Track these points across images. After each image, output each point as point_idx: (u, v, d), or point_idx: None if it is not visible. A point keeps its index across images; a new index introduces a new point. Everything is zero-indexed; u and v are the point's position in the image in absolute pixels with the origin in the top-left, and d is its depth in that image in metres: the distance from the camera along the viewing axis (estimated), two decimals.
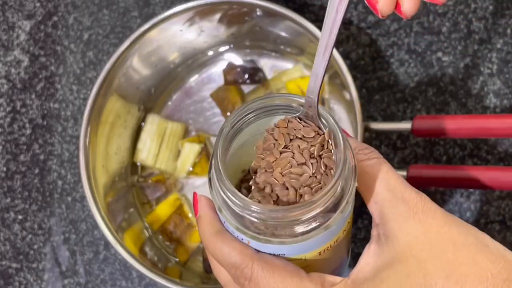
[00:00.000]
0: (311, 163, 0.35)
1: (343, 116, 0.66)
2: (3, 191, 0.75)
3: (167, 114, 0.71)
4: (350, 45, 0.69)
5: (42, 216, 0.73)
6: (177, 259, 0.67)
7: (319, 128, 0.36)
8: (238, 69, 0.70)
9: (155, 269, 0.60)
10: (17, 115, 0.76)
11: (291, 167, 0.35)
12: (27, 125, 0.76)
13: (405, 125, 0.59)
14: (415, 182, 0.59)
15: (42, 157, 0.74)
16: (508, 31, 0.65)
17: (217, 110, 0.70)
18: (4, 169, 0.75)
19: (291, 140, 0.36)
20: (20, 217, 0.74)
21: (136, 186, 0.70)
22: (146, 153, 0.69)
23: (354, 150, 0.37)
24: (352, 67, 0.68)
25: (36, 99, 0.76)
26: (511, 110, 0.64)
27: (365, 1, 0.36)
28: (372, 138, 0.66)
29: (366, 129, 0.60)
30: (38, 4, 0.78)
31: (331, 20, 0.35)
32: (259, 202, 0.35)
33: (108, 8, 0.76)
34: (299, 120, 0.36)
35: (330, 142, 0.36)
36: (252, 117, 0.37)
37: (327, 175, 0.35)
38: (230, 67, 0.70)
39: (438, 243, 0.34)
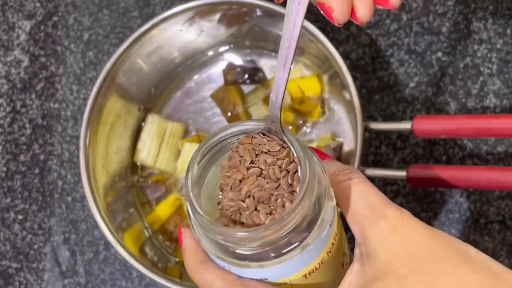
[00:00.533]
0: (278, 178, 0.35)
1: (343, 116, 0.66)
2: (3, 191, 0.75)
3: (167, 114, 0.71)
4: (350, 45, 0.69)
5: (42, 216, 0.73)
6: (177, 259, 0.67)
7: (283, 141, 0.36)
8: (238, 69, 0.70)
9: (155, 269, 0.60)
10: (17, 115, 0.76)
11: (259, 185, 0.35)
12: (27, 125, 0.76)
13: (405, 125, 0.59)
14: (415, 182, 0.59)
15: (42, 157, 0.75)
16: (508, 31, 0.65)
17: (217, 110, 0.70)
18: (4, 169, 0.75)
19: (256, 155, 0.36)
20: (20, 217, 0.74)
21: (136, 186, 0.70)
22: (146, 153, 0.69)
23: (334, 172, 0.37)
24: (352, 67, 0.68)
25: (36, 99, 0.76)
26: (511, 110, 0.64)
27: (321, 11, 0.36)
28: (372, 138, 0.66)
29: (366, 129, 0.60)
30: (38, 4, 0.78)
31: (289, 33, 0.35)
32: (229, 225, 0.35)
33: (108, 8, 0.76)
34: (262, 136, 0.36)
35: (294, 155, 0.35)
36: (225, 145, 0.36)
37: (293, 191, 0.35)
38: (230, 67, 0.70)
39: (418, 257, 0.34)
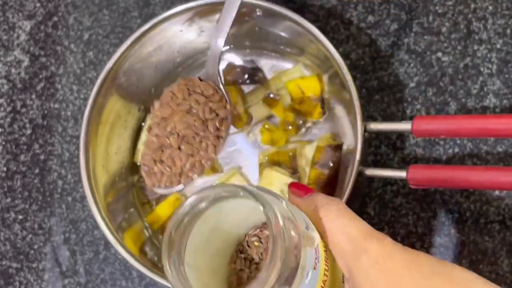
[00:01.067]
0: (207, 119, 0.33)
1: (343, 116, 0.66)
2: (3, 191, 0.75)
3: None
4: (350, 45, 0.69)
5: (42, 216, 0.73)
6: None
7: (218, 87, 0.35)
8: (238, 69, 0.70)
9: (155, 269, 0.60)
10: (18, 115, 0.76)
11: (186, 123, 0.33)
12: (27, 125, 0.76)
13: (405, 125, 0.59)
14: (415, 182, 0.59)
15: (42, 157, 0.75)
16: (508, 31, 0.65)
17: None
18: (5, 169, 0.75)
19: (189, 95, 0.34)
20: (20, 217, 0.74)
21: (136, 186, 0.70)
22: None
23: (314, 209, 0.37)
24: (352, 67, 0.68)
25: (37, 99, 0.76)
26: (510, 110, 0.64)
27: None
28: (372, 138, 0.67)
29: (366, 129, 0.60)
30: (38, 4, 0.78)
31: None
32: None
33: (108, 8, 0.76)
34: (199, 80, 0.35)
35: (227, 102, 0.34)
36: (203, 206, 0.36)
37: (219, 137, 0.33)
38: (230, 67, 0.70)
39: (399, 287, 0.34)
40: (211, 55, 0.35)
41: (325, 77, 0.66)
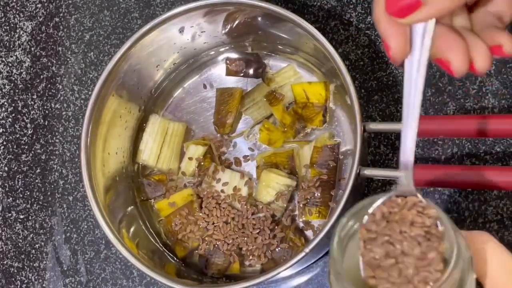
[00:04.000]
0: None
1: (342, 117, 0.66)
2: (4, 191, 0.75)
3: (167, 114, 0.72)
4: (349, 45, 0.69)
5: (43, 215, 0.74)
6: (175, 256, 0.67)
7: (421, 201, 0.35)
8: (242, 60, 0.70)
9: (154, 267, 0.61)
10: (19, 115, 0.77)
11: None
12: (28, 125, 0.76)
13: None
14: (414, 182, 0.59)
15: (43, 157, 0.75)
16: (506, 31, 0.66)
17: None
18: (6, 168, 0.76)
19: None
20: (21, 216, 0.74)
21: (136, 182, 0.70)
22: (148, 153, 0.69)
23: (468, 238, 0.37)
24: (351, 68, 0.68)
25: (38, 99, 0.76)
26: (509, 111, 0.65)
27: (440, 66, 0.35)
28: (371, 139, 0.67)
29: (365, 130, 0.60)
30: (39, 5, 0.79)
31: (410, 92, 0.35)
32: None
33: (109, 9, 0.77)
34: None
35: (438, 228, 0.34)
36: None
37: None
38: (235, 58, 0.70)
39: None
40: (402, 170, 0.35)
41: (331, 87, 0.66)
